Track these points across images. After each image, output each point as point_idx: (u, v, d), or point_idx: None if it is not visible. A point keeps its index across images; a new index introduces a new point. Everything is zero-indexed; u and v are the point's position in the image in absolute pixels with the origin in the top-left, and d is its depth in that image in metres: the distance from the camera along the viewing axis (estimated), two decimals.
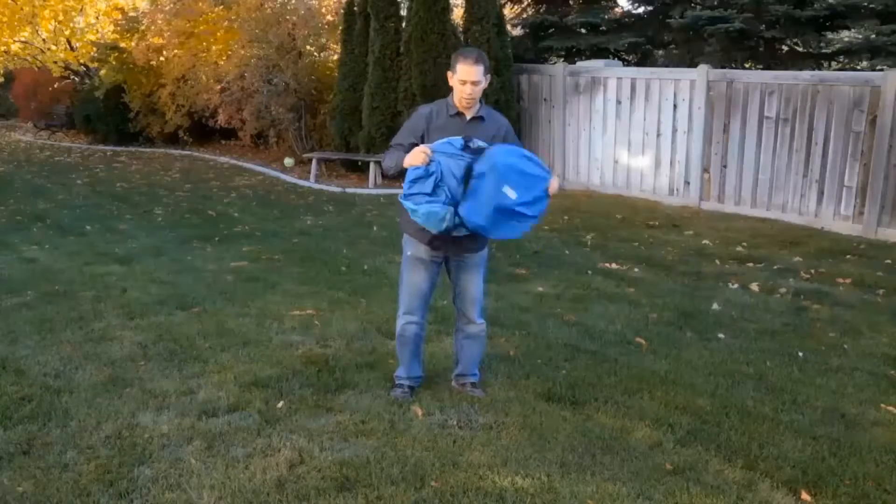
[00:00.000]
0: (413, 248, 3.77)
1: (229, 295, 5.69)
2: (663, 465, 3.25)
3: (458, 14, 12.09)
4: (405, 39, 10.79)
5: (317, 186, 11.39)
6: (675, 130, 9.73)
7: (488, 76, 3.66)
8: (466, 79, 3.57)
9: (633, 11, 13.64)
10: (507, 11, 13.84)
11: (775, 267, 6.67)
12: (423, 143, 3.63)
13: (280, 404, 3.77)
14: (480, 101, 3.72)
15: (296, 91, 13.13)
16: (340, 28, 12.28)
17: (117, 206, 9.62)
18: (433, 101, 3.88)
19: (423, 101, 9.78)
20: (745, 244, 7.52)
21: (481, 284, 3.87)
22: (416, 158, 3.44)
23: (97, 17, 18.64)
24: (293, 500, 2.96)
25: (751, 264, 6.78)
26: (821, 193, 8.41)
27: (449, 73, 3.71)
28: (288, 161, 13.00)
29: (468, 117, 3.67)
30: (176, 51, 14.72)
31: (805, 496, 3.03)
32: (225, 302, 5.52)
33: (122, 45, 16.60)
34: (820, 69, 11.21)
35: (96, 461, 3.23)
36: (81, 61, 17.99)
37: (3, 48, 18.21)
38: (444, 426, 3.56)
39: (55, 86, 19.31)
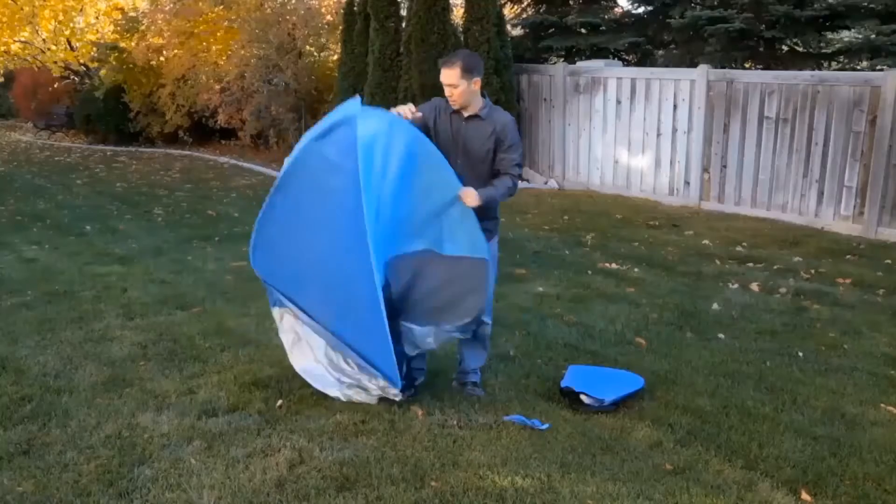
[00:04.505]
0: None
1: (229, 295, 5.68)
2: (663, 465, 3.25)
3: (458, 14, 12.08)
4: (405, 39, 10.78)
5: None
6: (675, 130, 9.72)
7: (473, 78, 3.68)
8: (444, 82, 3.70)
9: (633, 11, 13.63)
10: (507, 11, 13.83)
11: (775, 267, 6.67)
12: (431, 127, 3.79)
13: (280, 404, 3.77)
14: (485, 101, 3.77)
15: (296, 91, 13.13)
16: (340, 28, 12.27)
17: (117, 206, 9.62)
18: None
19: (423, 101, 9.77)
20: (745, 244, 7.52)
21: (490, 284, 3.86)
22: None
23: (97, 17, 18.63)
24: (293, 500, 2.96)
25: (751, 264, 6.78)
26: (821, 193, 8.40)
27: None
28: None
29: (465, 115, 3.76)
30: (176, 51, 14.73)
31: (805, 496, 3.03)
32: (225, 302, 5.52)
33: (122, 45, 16.60)
34: (820, 69, 11.20)
35: (96, 461, 3.23)
36: (81, 61, 17.99)
37: (3, 48, 18.20)
38: (444, 426, 3.56)
39: (55, 86, 19.29)
